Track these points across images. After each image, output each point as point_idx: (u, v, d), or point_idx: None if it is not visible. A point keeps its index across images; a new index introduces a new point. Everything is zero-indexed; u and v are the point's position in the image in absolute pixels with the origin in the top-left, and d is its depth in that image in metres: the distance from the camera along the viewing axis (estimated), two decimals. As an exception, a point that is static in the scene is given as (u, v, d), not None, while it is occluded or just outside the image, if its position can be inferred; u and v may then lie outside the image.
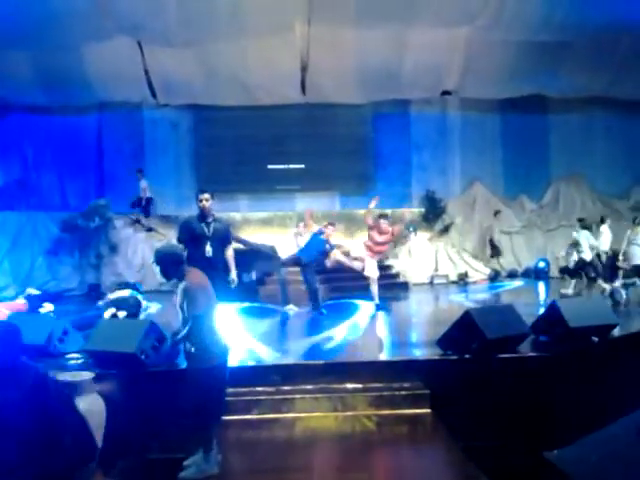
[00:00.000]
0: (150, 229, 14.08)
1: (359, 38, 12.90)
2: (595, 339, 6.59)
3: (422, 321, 8.88)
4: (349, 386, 5.85)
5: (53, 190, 15.00)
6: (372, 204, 9.46)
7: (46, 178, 14.95)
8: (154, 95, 14.42)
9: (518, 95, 14.70)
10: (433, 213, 15.10)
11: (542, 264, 14.59)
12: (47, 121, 14.70)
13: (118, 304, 8.13)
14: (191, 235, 6.47)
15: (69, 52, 12.80)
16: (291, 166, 15.33)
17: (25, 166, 14.90)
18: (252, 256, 10.37)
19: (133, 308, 8.24)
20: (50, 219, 14.03)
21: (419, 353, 6.82)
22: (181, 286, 4.42)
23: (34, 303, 9.93)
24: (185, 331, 4.39)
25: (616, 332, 6.87)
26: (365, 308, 9.91)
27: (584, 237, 11.15)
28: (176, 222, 14.42)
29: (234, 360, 6.06)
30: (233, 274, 6.78)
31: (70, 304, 11.72)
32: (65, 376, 4.73)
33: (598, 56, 13.38)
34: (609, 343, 6.68)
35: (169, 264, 4.46)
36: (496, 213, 14.97)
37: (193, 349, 4.44)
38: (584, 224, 11.60)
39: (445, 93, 14.94)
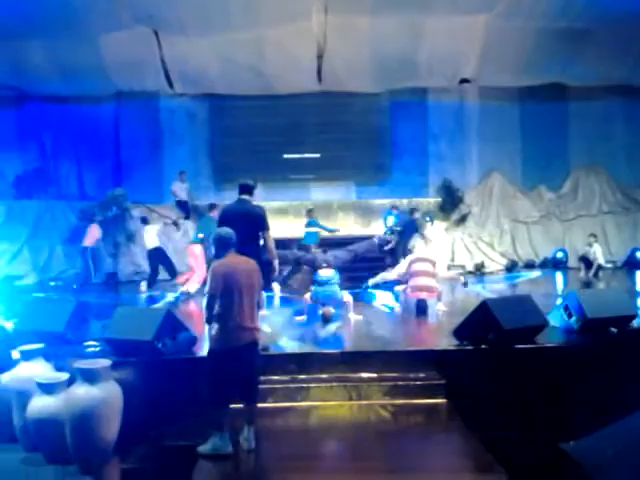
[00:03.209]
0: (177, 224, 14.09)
1: (376, 26, 12.79)
2: (614, 330, 6.53)
3: (439, 311, 8.83)
4: (364, 375, 5.86)
5: (71, 179, 15.13)
6: None
7: (64, 167, 15.08)
8: (171, 84, 14.44)
9: (537, 83, 14.51)
10: (450, 203, 14.99)
11: (560, 254, 14.45)
12: (65, 110, 14.78)
13: None
14: None
15: (86, 42, 12.84)
16: (306, 155, 15.29)
17: (43, 155, 15.04)
18: None
19: None
20: (69, 208, 14.17)
21: (435, 343, 6.80)
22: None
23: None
24: (205, 308, 4.68)
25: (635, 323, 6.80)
26: (380, 298, 9.90)
27: None
28: (194, 211, 14.55)
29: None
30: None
31: (87, 292, 11.85)
32: (83, 363, 4.77)
33: (619, 44, 13.15)
34: (628, 334, 6.61)
35: (218, 245, 4.92)
36: None
37: (212, 330, 4.69)
38: None
39: (463, 81, 14.78)
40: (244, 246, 6.15)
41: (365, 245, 9.25)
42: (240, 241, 6.22)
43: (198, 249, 10.10)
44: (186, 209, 14.49)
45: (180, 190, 14.35)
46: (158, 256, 12.16)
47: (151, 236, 12.22)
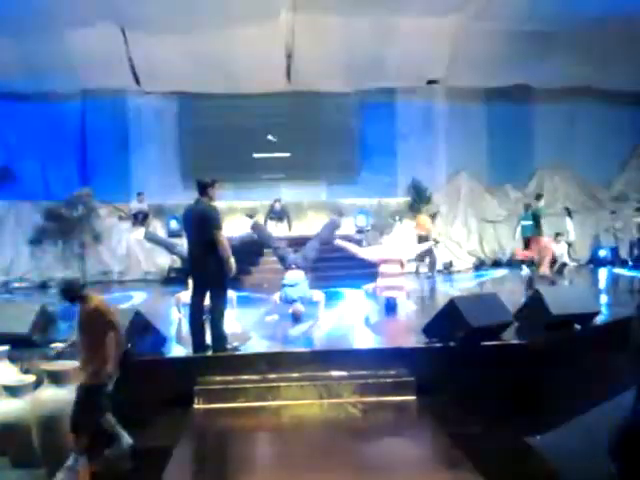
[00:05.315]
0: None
1: (345, 26, 12.83)
2: (577, 326, 6.68)
3: (408, 309, 8.91)
4: (335, 374, 5.89)
5: (36, 178, 14.76)
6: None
7: (29, 166, 14.70)
8: (138, 82, 14.26)
9: (504, 85, 14.73)
10: (419, 202, 15.12)
11: (526, 253, 14.68)
12: (30, 108, 14.43)
13: None
14: None
15: (51, 38, 12.58)
16: (276, 155, 15.25)
17: (8, 154, 14.66)
18: None
19: None
20: (34, 208, 13.88)
21: (404, 341, 6.86)
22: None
23: None
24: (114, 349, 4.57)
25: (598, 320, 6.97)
26: (351, 296, 9.95)
27: None
28: (161, 210, 14.42)
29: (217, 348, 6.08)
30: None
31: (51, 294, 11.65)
32: (50, 365, 4.70)
33: (584, 46, 13.41)
34: (591, 330, 6.78)
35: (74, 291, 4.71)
36: None
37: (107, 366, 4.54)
38: None
39: (431, 82, 14.92)
40: (199, 247, 6.16)
41: (326, 231, 9.05)
42: (195, 242, 6.24)
43: (543, 240, 12.54)
44: (142, 214, 14.40)
45: (135, 208, 14.35)
46: None
47: None
